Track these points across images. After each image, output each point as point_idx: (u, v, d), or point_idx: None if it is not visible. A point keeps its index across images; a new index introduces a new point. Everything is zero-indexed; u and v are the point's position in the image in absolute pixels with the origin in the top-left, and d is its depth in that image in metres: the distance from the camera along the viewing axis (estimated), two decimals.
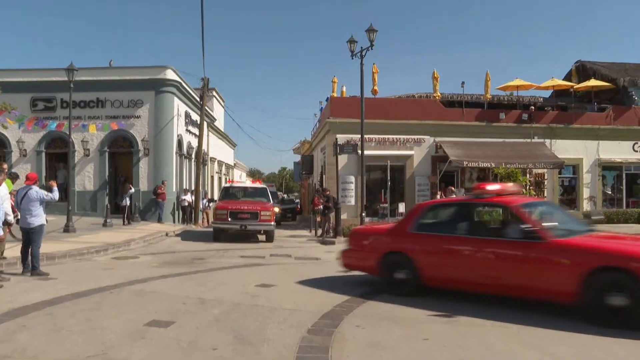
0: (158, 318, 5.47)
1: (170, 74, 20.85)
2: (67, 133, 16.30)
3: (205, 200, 22.49)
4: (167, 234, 15.97)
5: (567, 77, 26.00)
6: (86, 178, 20.37)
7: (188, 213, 20.91)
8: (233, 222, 14.25)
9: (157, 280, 7.85)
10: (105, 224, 16.28)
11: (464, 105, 22.00)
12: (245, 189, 16.96)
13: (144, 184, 20.31)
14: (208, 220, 21.42)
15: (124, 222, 17.73)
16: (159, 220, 19.26)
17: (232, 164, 40.71)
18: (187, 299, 6.50)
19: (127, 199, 18.15)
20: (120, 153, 21.00)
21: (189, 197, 20.96)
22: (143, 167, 20.43)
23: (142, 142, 20.20)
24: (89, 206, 20.11)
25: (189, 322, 5.32)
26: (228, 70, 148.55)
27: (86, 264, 9.57)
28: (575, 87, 24.10)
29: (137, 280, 7.79)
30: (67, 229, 14.13)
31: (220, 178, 34.05)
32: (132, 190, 18.64)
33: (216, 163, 31.94)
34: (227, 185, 17.73)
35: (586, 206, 22.35)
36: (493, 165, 19.36)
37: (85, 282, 7.56)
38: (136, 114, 20.42)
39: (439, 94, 22.40)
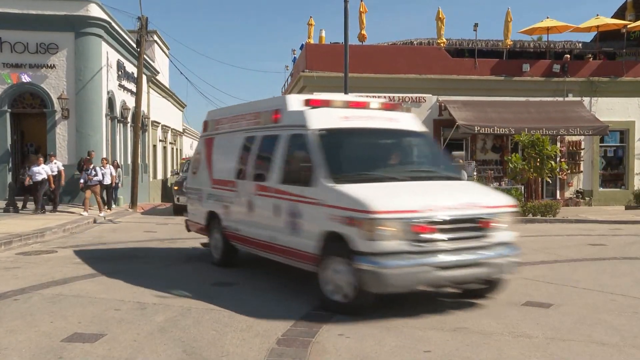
0: (82, 330, 5.39)
1: (95, 10, 20.20)
2: None
3: (85, 173, 17.07)
4: (95, 221, 15.80)
5: (619, 14, 25.24)
6: None
7: (54, 193, 17.23)
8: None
9: (82, 281, 7.75)
10: (7, 209, 15.95)
11: (476, 54, 22.06)
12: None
13: (63, 156, 19.83)
14: (98, 204, 17.18)
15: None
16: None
17: (181, 130, 40.28)
18: (122, 303, 6.46)
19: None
20: (28, 114, 20.44)
21: (48, 169, 16.80)
22: (61, 133, 19.95)
23: (59, 101, 19.67)
24: None
25: (124, 334, 5.28)
26: (174, 9, 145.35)
27: None
28: (629, 26, 23.29)
29: (55, 282, 7.66)
30: None
31: (165, 147, 33.65)
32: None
33: (160, 129, 31.51)
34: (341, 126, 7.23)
35: (637, 183, 22.20)
36: (513, 130, 19.56)
37: None
38: (49, 62, 19.78)
39: (444, 40, 22.37)
